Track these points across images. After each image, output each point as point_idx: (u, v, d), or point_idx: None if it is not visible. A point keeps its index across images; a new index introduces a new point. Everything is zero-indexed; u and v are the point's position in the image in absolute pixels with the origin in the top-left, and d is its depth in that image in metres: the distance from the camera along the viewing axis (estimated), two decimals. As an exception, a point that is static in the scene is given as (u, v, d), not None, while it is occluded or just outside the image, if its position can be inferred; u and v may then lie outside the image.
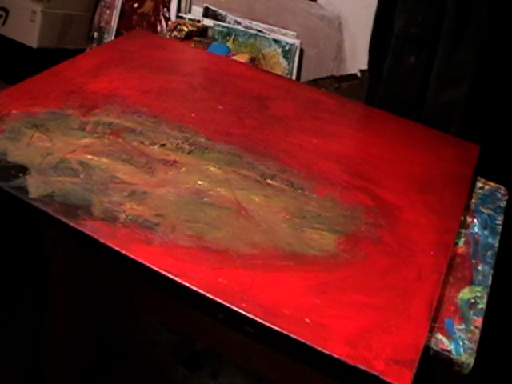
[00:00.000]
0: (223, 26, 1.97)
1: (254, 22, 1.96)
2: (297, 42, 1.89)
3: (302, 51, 1.92)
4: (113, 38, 2.15)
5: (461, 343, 0.76)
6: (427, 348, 0.75)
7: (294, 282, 0.77)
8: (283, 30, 1.92)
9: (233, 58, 1.86)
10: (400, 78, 1.41)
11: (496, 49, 1.29)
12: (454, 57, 1.30)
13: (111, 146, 0.96)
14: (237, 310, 0.72)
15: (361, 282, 0.78)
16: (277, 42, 1.90)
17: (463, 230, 0.96)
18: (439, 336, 0.77)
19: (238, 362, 1.47)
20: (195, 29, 1.96)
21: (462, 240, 0.94)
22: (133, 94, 1.12)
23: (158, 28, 2.11)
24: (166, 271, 0.75)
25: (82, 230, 0.80)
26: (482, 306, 0.83)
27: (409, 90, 1.41)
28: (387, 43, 1.42)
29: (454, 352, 0.75)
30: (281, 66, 1.91)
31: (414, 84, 1.40)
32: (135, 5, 2.15)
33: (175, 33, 1.93)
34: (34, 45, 1.97)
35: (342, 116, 1.19)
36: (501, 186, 1.09)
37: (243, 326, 0.74)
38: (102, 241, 0.79)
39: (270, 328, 0.70)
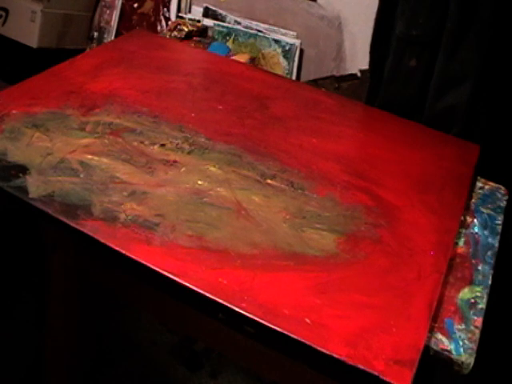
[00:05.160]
0: (223, 26, 1.97)
1: (254, 22, 1.96)
2: (297, 41, 1.89)
3: (302, 51, 1.92)
4: (113, 37, 2.15)
5: (461, 343, 0.76)
6: (427, 348, 0.75)
7: (294, 281, 0.77)
8: (283, 30, 1.93)
9: (233, 57, 1.86)
10: (401, 81, 1.41)
11: (498, 50, 1.29)
12: (456, 58, 1.30)
13: (111, 146, 0.96)
14: (237, 309, 0.72)
15: (361, 282, 0.78)
16: (277, 41, 1.90)
17: (463, 230, 0.96)
18: (439, 336, 0.77)
19: (238, 362, 1.47)
20: (195, 29, 1.96)
21: (462, 240, 0.94)
22: (133, 93, 1.12)
23: (158, 28, 2.11)
24: (166, 271, 0.75)
25: (82, 229, 0.80)
26: (482, 305, 0.83)
27: (410, 93, 1.41)
28: (388, 45, 1.42)
29: (453, 352, 0.75)
30: (281, 65, 1.91)
31: (414, 86, 1.40)
32: (135, 5, 2.15)
33: (175, 33, 1.93)
34: (34, 45, 1.97)
35: (341, 116, 1.19)
36: (501, 186, 1.09)
37: (243, 325, 0.74)
38: (102, 241, 0.79)
39: (270, 328, 0.70)
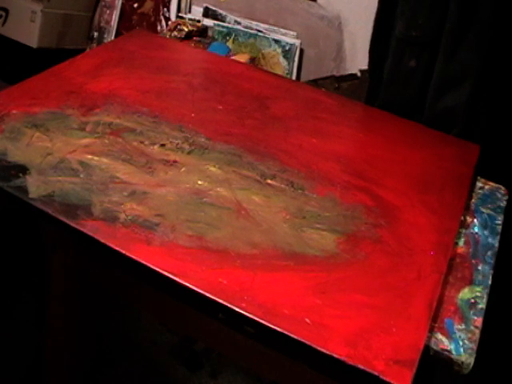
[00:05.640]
0: (223, 26, 1.97)
1: (254, 22, 1.96)
2: (297, 42, 1.89)
3: (302, 51, 1.92)
4: (113, 37, 2.15)
5: (461, 343, 0.76)
6: (427, 348, 0.75)
7: (293, 281, 0.77)
8: (283, 30, 1.93)
9: (233, 57, 1.86)
10: (401, 81, 1.41)
11: (498, 51, 1.29)
12: (456, 59, 1.30)
13: (111, 146, 0.96)
14: (237, 309, 0.72)
15: (361, 282, 0.78)
16: (277, 41, 1.90)
17: (463, 230, 0.96)
18: (439, 336, 0.77)
19: (238, 362, 1.47)
20: (195, 29, 1.96)
21: (462, 240, 0.94)
22: (133, 93, 1.12)
23: (158, 28, 2.11)
24: (166, 271, 0.75)
25: (82, 229, 0.80)
26: (482, 305, 0.83)
27: (409, 93, 1.41)
28: (388, 45, 1.42)
29: (453, 352, 0.75)
30: (281, 65, 1.91)
31: (414, 87, 1.40)
32: (135, 5, 2.15)
33: (175, 33, 1.93)
34: (34, 45, 1.97)
35: (341, 116, 1.19)
36: (501, 186, 1.09)
37: (243, 325, 0.74)
38: (102, 241, 0.79)
39: (270, 328, 0.70)
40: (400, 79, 1.41)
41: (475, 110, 1.33)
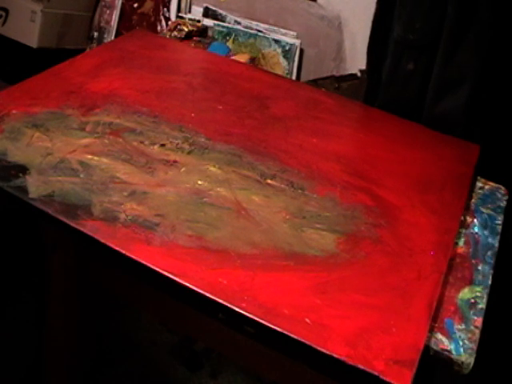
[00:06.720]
0: (223, 26, 1.97)
1: (254, 22, 1.96)
2: (297, 41, 1.89)
3: (302, 51, 1.92)
4: (113, 37, 2.15)
5: (461, 343, 0.76)
6: (427, 348, 0.75)
7: (293, 281, 0.77)
8: (283, 30, 1.93)
9: (233, 57, 1.86)
10: (399, 83, 1.41)
11: (498, 51, 1.29)
12: (455, 60, 1.30)
13: (111, 146, 0.96)
14: (237, 309, 0.72)
15: (361, 282, 0.78)
16: (277, 41, 1.90)
17: (463, 230, 0.96)
18: (439, 336, 0.77)
19: (238, 362, 1.47)
20: (195, 29, 1.96)
21: (462, 240, 0.94)
22: (133, 93, 1.12)
23: (158, 28, 2.11)
24: (166, 271, 0.75)
25: (82, 229, 0.80)
26: (482, 305, 0.83)
27: (408, 95, 1.41)
28: (386, 47, 1.42)
29: (453, 352, 0.75)
30: (281, 65, 1.91)
31: (413, 89, 1.39)
32: (135, 5, 2.15)
33: (175, 33, 1.93)
34: (34, 45, 1.97)
35: (341, 116, 1.19)
36: (501, 186, 1.09)
37: (243, 326, 0.74)
38: (102, 241, 0.79)
39: (270, 328, 0.70)
40: (398, 82, 1.41)
41: (474, 112, 1.33)
